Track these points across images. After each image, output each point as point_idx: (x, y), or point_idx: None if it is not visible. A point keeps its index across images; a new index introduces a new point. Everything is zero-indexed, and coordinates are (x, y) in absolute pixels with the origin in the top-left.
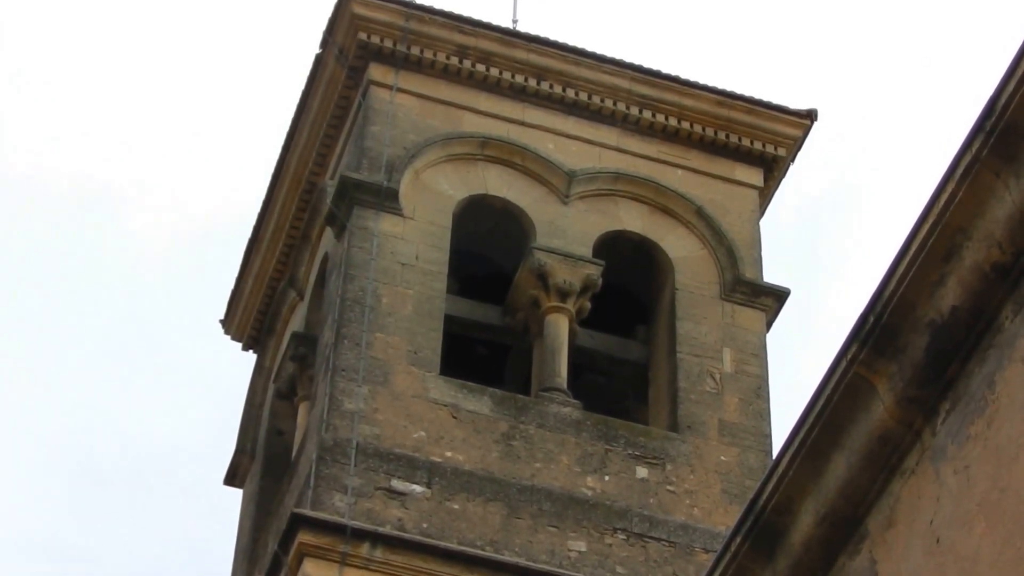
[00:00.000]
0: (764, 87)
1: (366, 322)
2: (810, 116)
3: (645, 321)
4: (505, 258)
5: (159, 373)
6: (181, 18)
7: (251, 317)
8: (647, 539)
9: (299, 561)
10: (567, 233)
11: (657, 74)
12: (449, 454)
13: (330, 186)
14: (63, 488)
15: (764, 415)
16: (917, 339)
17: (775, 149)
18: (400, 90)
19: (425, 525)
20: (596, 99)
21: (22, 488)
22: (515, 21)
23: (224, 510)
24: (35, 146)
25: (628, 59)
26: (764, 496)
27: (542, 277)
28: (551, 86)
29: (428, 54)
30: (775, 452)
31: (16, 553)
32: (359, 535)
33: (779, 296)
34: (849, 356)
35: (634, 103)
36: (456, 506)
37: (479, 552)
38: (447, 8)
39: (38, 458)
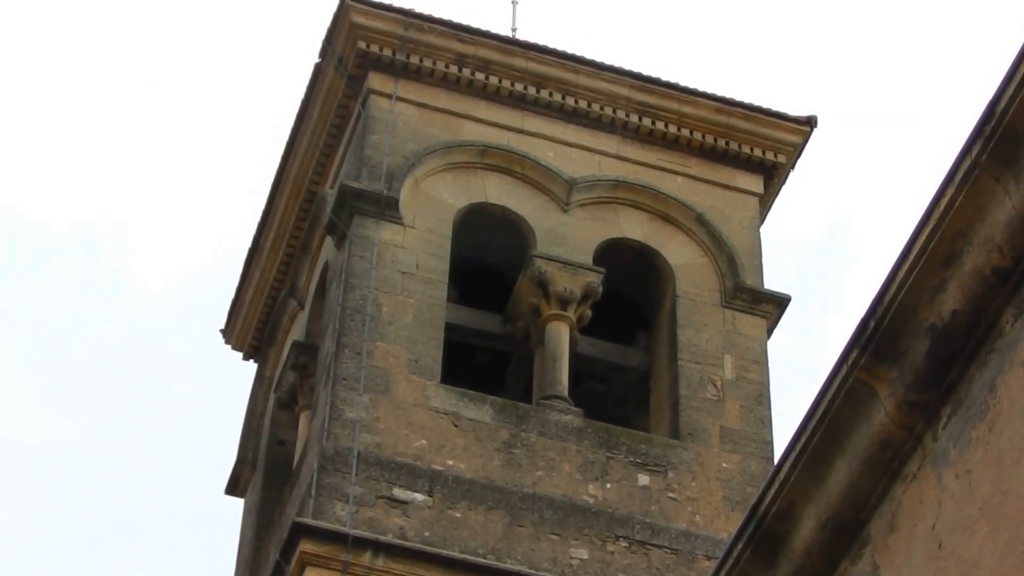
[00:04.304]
0: (764, 94)
1: (367, 331)
2: (810, 123)
3: (646, 328)
4: (505, 266)
5: (160, 382)
6: (181, 26)
7: (252, 327)
8: (649, 546)
9: (301, 570)
10: (567, 241)
11: (656, 81)
12: (450, 462)
13: (330, 195)
14: (64, 497)
15: (765, 422)
16: (918, 344)
17: (775, 156)
18: (399, 99)
19: (427, 533)
20: (596, 107)
21: (26, 497)
22: (514, 29)
23: (225, 520)
24: (37, 147)
25: (627, 66)
26: (766, 502)
27: (542, 285)
28: (551, 94)
29: (427, 63)
30: (777, 459)
31: (17, 557)
32: (361, 544)
33: (780, 303)
34: (850, 361)
35: (634, 110)
36: (458, 514)
37: (481, 560)
38: (446, 17)
39: (39, 465)
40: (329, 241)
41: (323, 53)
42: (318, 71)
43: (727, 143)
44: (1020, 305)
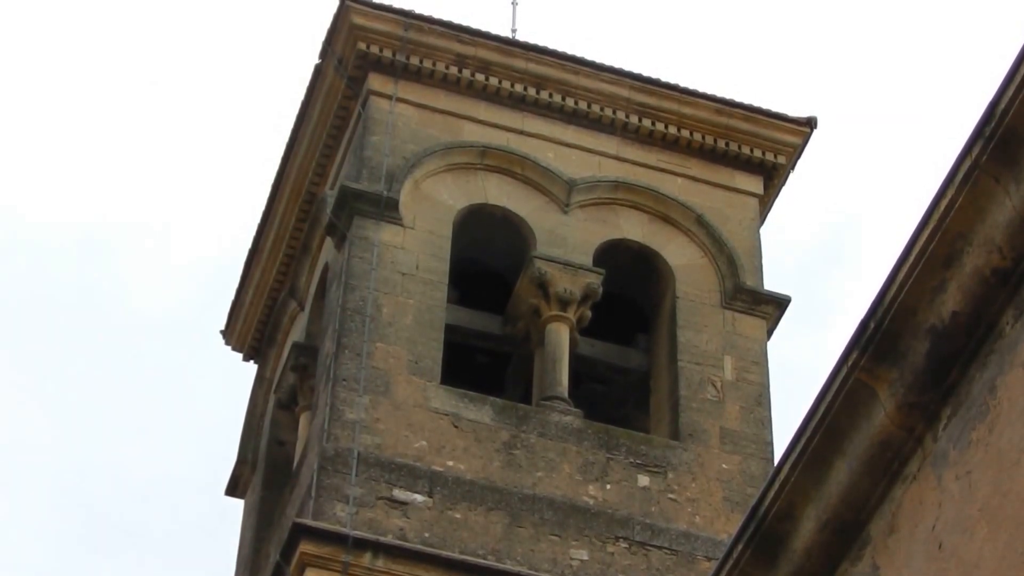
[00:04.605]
0: (763, 95)
1: (367, 332)
2: (810, 123)
3: (646, 329)
4: (505, 267)
5: (160, 383)
6: (181, 26)
7: (252, 328)
8: (649, 547)
9: (301, 571)
10: (567, 242)
11: (656, 82)
12: (450, 463)
13: (330, 196)
14: (63, 498)
15: (765, 423)
16: (918, 345)
17: (775, 157)
18: (399, 100)
19: (427, 534)
20: (595, 108)
21: (25, 497)
22: (514, 30)
23: (225, 521)
24: (37, 147)
25: (627, 67)
26: (766, 503)
27: (542, 286)
28: (550, 95)
29: (427, 63)
30: (777, 460)
31: (17, 558)
32: (361, 545)
33: (780, 304)
34: (850, 362)
35: (633, 112)
36: (458, 515)
37: (481, 561)
38: (446, 18)
39: (38, 465)
40: (329, 242)
41: (323, 54)
42: (318, 72)
43: (727, 144)
44: (1020, 306)
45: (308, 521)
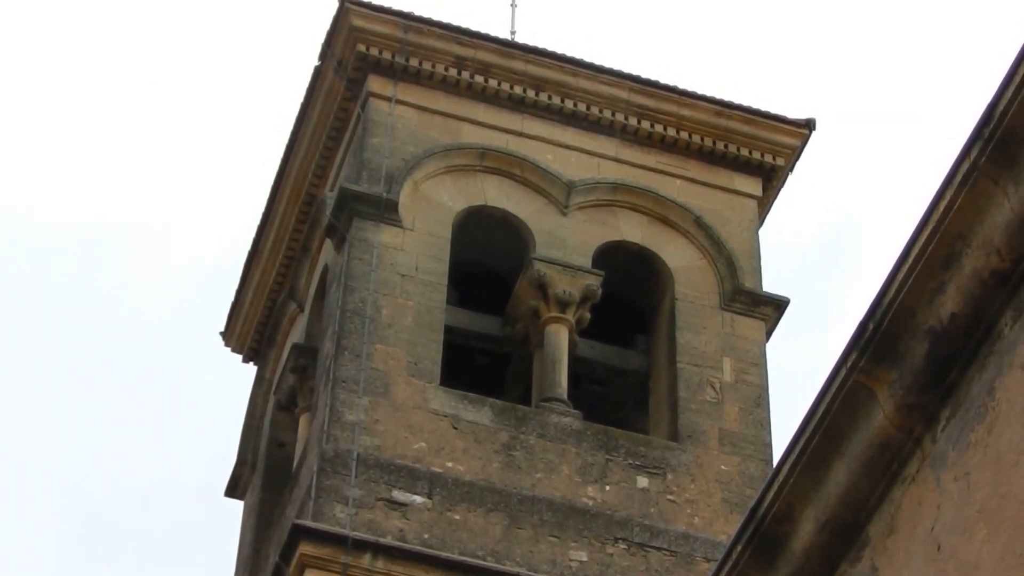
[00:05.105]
0: (762, 97)
1: (366, 333)
2: (808, 125)
3: (645, 331)
4: (505, 269)
5: (160, 384)
6: (181, 27)
7: (251, 329)
8: (648, 548)
9: (300, 572)
10: (566, 243)
11: (655, 84)
12: (450, 464)
13: (329, 198)
14: (63, 499)
15: (764, 424)
16: (917, 346)
17: (773, 159)
18: (399, 101)
19: (426, 535)
20: (595, 110)
21: (24, 498)
22: (513, 32)
23: (225, 522)
24: (37, 147)
25: (626, 69)
26: (765, 504)
27: (542, 287)
28: (550, 97)
29: (427, 65)
30: (775, 461)
31: (16, 560)
32: (360, 546)
33: (778, 305)
34: (849, 363)
35: (633, 113)
36: (457, 516)
37: (480, 562)
38: (446, 19)
39: (37, 466)
40: (329, 244)
41: (323, 56)
42: (318, 74)
43: (726, 146)
44: (1019, 307)
45: (308, 522)
